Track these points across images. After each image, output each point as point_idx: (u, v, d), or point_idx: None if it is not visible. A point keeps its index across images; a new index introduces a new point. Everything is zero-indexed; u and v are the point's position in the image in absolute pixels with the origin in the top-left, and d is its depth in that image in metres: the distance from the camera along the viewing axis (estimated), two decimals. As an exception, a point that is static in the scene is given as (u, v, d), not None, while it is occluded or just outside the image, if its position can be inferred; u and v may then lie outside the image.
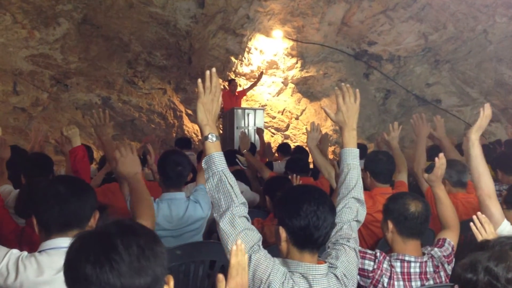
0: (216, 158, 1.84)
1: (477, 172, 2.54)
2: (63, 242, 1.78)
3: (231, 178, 1.83)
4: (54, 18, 7.91)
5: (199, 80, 1.90)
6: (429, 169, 2.77)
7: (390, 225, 2.39)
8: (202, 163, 1.87)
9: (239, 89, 9.33)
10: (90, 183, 3.23)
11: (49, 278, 1.72)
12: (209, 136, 1.85)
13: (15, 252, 1.80)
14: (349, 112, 2.21)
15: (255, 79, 9.54)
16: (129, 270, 1.09)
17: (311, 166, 4.97)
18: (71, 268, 1.12)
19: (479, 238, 2.19)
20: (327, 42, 9.49)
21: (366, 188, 2.58)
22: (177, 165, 2.99)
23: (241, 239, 1.74)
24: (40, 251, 1.82)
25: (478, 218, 2.28)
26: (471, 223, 2.27)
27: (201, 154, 5.04)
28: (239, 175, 4.69)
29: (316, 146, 3.76)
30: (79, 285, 1.10)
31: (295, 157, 4.92)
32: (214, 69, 1.94)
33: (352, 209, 2.07)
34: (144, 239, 1.15)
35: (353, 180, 2.13)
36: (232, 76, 9.59)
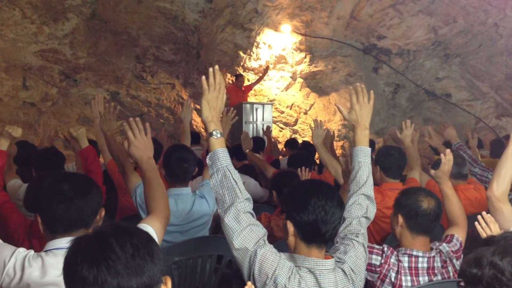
0: (221, 154, 1.84)
1: (497, 171, 2.47)
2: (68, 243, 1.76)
3: (235, 174, 1.83)
4: (63, 13, 7.93)
5: (203, 77, 1.92)
6: (436, 165, 2.75)
7: (400, 219, 2.37)
8: (207, 159, 1.88)
9: (247, 83, 9.34)
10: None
11: (54, 279, 1.70)
12: (214, 132, 1.87)
13: (21, 251, 1.78)
14: (362, 111, 2.23)
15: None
16: (126, 268, 1.10)
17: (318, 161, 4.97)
18: (68, 271, 1.13)
19: (484, 236, 2.17)
20: (336, 36, 9.45)
21: (375, 183, 2.57)
22: (184, 162, 2.97)
23: (246, 234, 1.75)
24: (46, 251, 1.79)
25: (483, 217, 2.26)
26: (476, 223, 2.25)
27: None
28: (248, 170, 4.70)
29: (322, 143, 3.77)
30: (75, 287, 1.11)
31: (296, 152, 4.93)
32: (217, 66, 1.95)
33: (362, 205, 2.08)
34: (138, 238, 1.16)
35: (363, 177, 2.14)
36: (241, 70, 9.59)
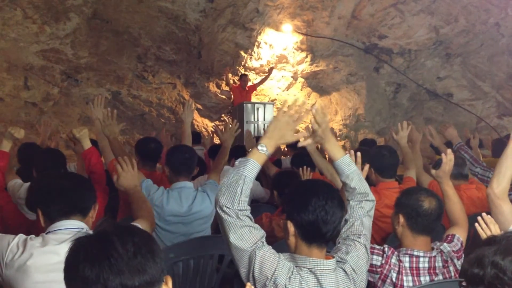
0: (250, 164, 1.82)
1: (497, 169, 2.45)
2: (67, 224, 1.96)
3: (247, 188, 1.79)
4: (64, 13, 7.93)
5: (291, 100, 1.92)
6: (437, 165, 2.74)
7: (402, 219, 2.37)
8: (237, 161, 1.88)
9: (249, 83, 9.34)
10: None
11: (54, 248, 1.87)
12: (260, 146, 1.86)
13: (24, 235, 1.97)
14: (324, 129, 2.10)
15: (265, 74, 9.54)
16: (128, 266, 1.10)
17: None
18: (70, 270, 1.13)
19: (484, 237, 2.17)
20: (337, 35, 9.43)
21: (371, 183, 2.57)
22: (184, 153, 3.17)
23: (244, 233, 1.75)
24: (46, 233, 1.97)
25: (483, 218, 2.26)
26: (476, 224, 2.25)
27: (211, 149, 5.06)
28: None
29: (316, 148, 3.76)
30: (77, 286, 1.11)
31: (300, 152, 4.88)
32: (318, 106, 2.00)
33: (364, 207, 2.07)
34: (139, 237, 1.17)
35: (359, 187, 2.09)
36: (242, 70, 9.59)
